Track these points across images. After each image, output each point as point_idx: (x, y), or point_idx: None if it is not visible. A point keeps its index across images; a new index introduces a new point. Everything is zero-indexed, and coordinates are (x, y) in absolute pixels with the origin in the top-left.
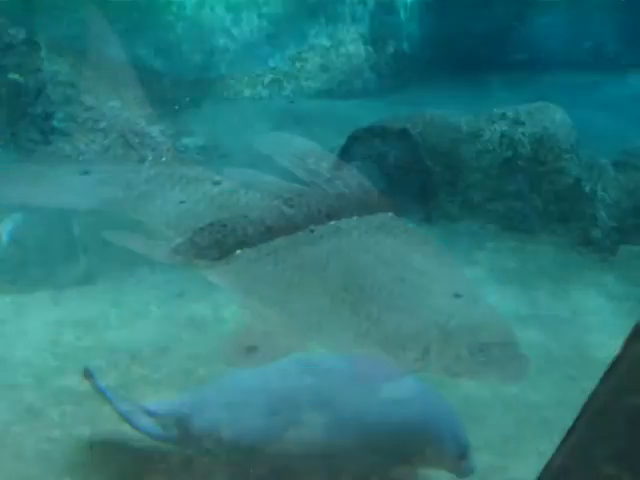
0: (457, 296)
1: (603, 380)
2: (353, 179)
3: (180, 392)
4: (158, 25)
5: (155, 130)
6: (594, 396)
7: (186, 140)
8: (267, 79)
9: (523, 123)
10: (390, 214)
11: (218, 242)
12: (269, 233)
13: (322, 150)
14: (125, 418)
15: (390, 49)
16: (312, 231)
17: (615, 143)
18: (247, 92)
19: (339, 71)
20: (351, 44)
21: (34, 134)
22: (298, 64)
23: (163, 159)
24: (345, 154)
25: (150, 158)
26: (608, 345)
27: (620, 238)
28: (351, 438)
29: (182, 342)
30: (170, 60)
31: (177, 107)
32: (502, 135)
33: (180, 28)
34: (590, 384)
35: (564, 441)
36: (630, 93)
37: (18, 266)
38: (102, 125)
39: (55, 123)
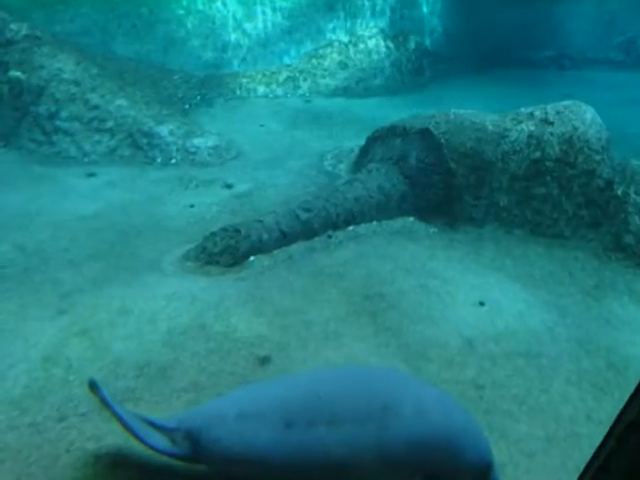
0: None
1: (634, 396)
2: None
3: (190, 405)
4: (168, 20)
5: (164, 130)
6: (625, 411)
7: (197, 140)
8: (282, 76)
9: (552, 123)
10: (412, 218)
11: (231, 248)
12: (285, 239)
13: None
14: (132, 432)
15: (411, 45)
16: (330, 237)
17: None
18: (261, 90)
19: (358, 68)
20: (371, 40)
21: (37, 134)
22: (315, 61)
23: (173, 160)
24: (364, 155)
25: (159, 159)
26: None
27: None
28: (370, 453)
29: (192, 353)
30: (180, 56)
31: (187, 106)
32: (529, 135)
33: (191, 23)
34: (622, 397)
35: (594, 457)
36: None
37: (21, 272)
38: (108, 125)
39: (59, 123)
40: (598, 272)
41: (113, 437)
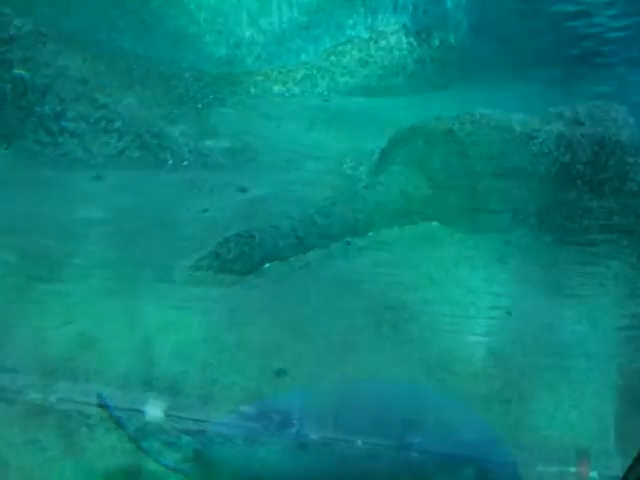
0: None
1: None
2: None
3: (201, 422)
4: (178, 15)
5: (175, 131)
6: None
7: (210, 142)
8: (299, 74)
9: (582, 123)
10: (435, 224)
11: (245, 254)
12: (301, 245)
13: None
14: (142, 448)
15: (435, 41)
16: (349, 243)
17: None
18: (277, 89)
19: (379, 66)
20: (392, 36)
21: (42, 135)
22: (333, 58)
23: (184, 163)
24: (386, 157)
25: (170, 162)
26: None
27: None
28: (394, 469)
29: (204, 366)
30: (192, 53)
31: (200, 105)
32: (559, 137)
33: (202, 18)
34: None
35: (627, 475)
36: None
37: (25, 280)
38: (116, 125)
39: (65, 123)
40: (632, 282)
41: (122, 454)
